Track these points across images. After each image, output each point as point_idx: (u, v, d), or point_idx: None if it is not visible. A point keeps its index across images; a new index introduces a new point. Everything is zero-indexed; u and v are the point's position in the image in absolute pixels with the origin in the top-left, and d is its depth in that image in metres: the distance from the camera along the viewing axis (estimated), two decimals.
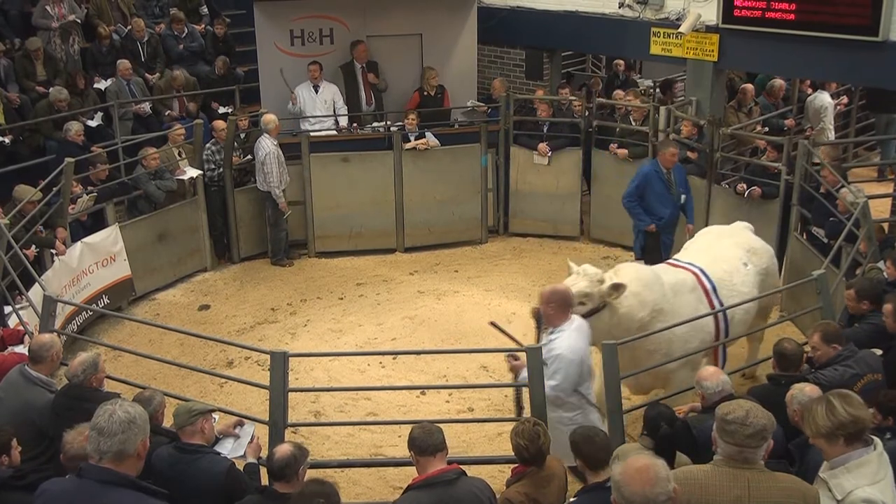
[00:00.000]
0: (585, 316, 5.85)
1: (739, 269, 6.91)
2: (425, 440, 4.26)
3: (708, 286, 6.64)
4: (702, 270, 6.70)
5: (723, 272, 6.77)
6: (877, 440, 3.65)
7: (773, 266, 7.35)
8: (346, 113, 11.35)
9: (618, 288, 6.04)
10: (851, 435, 3.57)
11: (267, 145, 10.04)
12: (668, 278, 6.53)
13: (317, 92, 11.14)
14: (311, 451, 6.86)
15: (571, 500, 4.31)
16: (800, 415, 4.65)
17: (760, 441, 3.51)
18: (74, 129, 9.74)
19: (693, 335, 6.37)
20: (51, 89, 10.36)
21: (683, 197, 9.03)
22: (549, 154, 10.92)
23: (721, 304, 6.56)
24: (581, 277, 6.04)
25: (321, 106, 11.14)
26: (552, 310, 5.54)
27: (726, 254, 7.00)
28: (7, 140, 9.89)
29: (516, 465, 4.69)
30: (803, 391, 4.71)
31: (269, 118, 10.11)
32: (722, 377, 5.06)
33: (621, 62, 13.34)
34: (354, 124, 11.45)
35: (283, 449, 4.36)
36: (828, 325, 5.53)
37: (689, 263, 6.84)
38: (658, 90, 12.95)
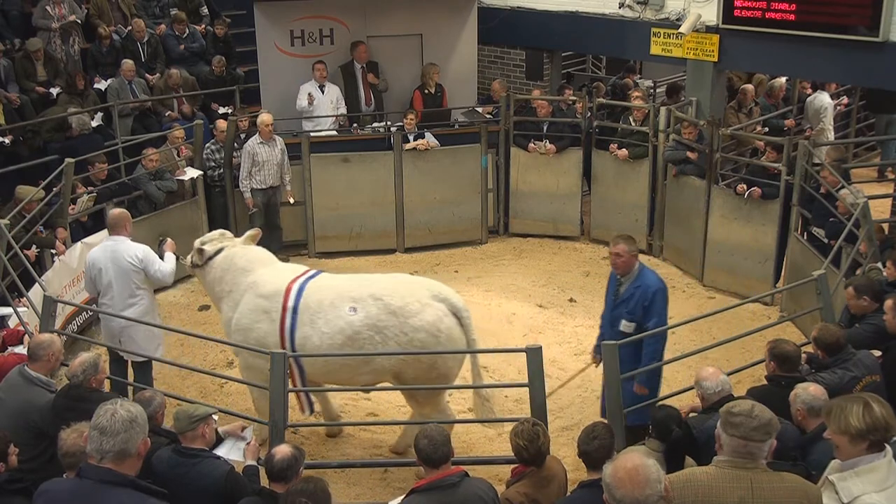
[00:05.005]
0: (196, 266, 7.07)
1: (339, 308, 6.38)
2: (430, 455, 4.24)
3: (291, 304, 6.44)
4: (301, 290, 6.50)
5: (317, 302, 6.42)
6: (888, 448, 3.61)
7: (414, 335, 6.30)
8: (346, 113, 11.36)
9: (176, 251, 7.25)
10: (877, 441, 3.55)
11: (248, 142, 10.06)
12: (261, 274, 6.71)
13: (323, 92, 11.14)
14: (312, 451, 6.93)
15: (570, 492, 4.31)
16: (803, 414, 4.66)
17: (765, 435, 3.50)
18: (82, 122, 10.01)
19: (238, 329, 6.59)
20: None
21: (626, 325, 6.16)
22: (541, 146, 10.88)
23: (292, 326, 6.39)
24: (212, 236, 7.19)
25: (327, 106, 11.15)
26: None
27: (346, 291, 6.47)
28: (7, 140, 9.89)
29: (516, 465, 4.69)
30: (807, 390, 4.72)
31: (262, 118, 10.08)
32: (721, 377, 5.06)
33: (630, 79, 13.10)
34: (355, 125, 11.46)
35: (284, 450, 4.36)
36: (826, 330, 5.51)
37: (307, 277, 6.64)
38: (660, 91, 12.90)
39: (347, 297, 6.42)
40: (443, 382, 6.50)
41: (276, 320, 6.47)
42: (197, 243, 7.12)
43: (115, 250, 6.97)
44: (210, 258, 6.98)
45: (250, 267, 6.83)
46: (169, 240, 7.36)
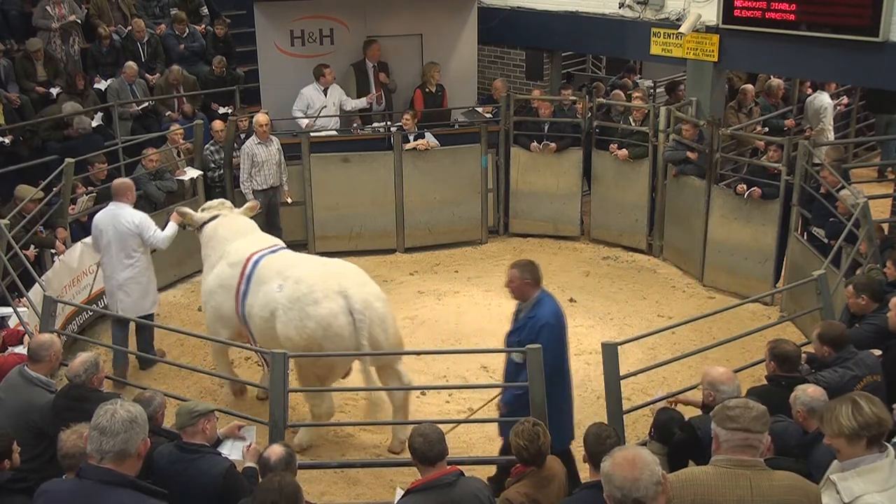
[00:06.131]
0: (195, 230, 7.77)
1: (271, 283, 6.83)
2: (426, 453, 4.23)
3: (248, 272, 7.03)
4: (257, 262, 7.06)
5: (264, 276, 6.92)
6: (890, 448, 3.61)
7: (307, 321, 6.57)
8: (356, 108, 11.37)
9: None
10: (875, 437, 3.54)
11: (247, 143, 10.06)
12: (236, 244, 7.29)
13: (325, 95, 11.13)
14: (311, 451, 6.93)
15: (573, 493, 4.30)
16: (803, 415, 4.66)
17: (763, 426, 3.49)
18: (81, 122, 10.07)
19: (215, 290, 7.26)
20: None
21: (516, 355, 5.74)
22: (543, 147, 10.88)
23: (245, 293, 6.98)
24: (211, 205, 7.89)
25: (330, 108, 11.14)
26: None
27: (283, 269, 6.89)
28: (7, 140, 9.90)
29: (516, 465, 4.68)
30: (806, 392, 4.72)
31: (257, 118, 10.05)
32: (736, 382, 4.99)
33: (629, 80, 13.13)
34: (355, 125, 11.46)
35: (277, 451, 4.35)
36: (830, 325, 5.53)
37: (269, 251, 7.18)
38: (663, 91, 12.90)
39: (281, 276, 6.84)
40: (325, 378, 6.76)
41: (234, 286, 7.04)
42: (208, 209, 7.83)
43: (115, 214, 7.80)
44: (205, 223, 7.63)
45: (230, 237, 7.43)
46: (177, 210, 8.11)
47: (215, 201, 8.04)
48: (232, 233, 7.47)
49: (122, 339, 8.01)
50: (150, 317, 8.13)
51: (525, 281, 5.80)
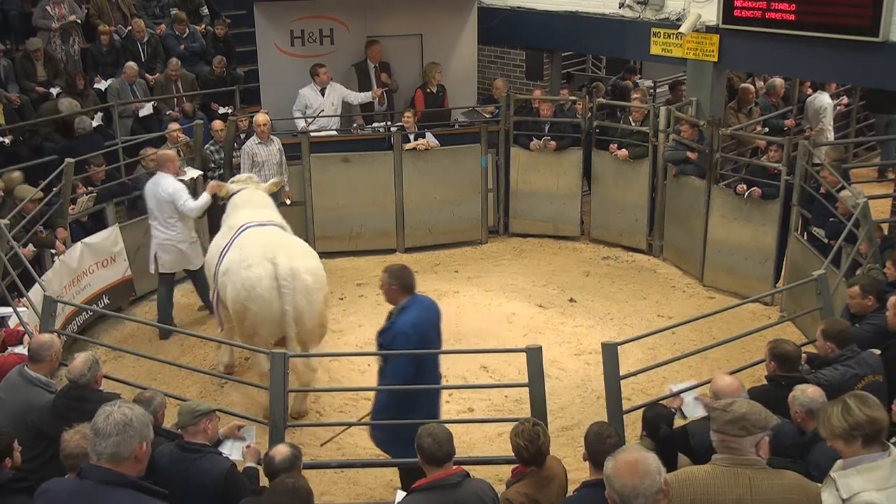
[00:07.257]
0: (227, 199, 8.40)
1: (235, 250, 7.48)
2: (434, 453, 4.20)
3: (233, 236, 7.64)
4: (242, 230, 7.65)
5: (237, 243, 7.50)
6: (892, 448, 3.63)
7: (237, 280, 7.21)
8: (363, 102, 11.41)
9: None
10: (869, 436, 3.56)
11: (247, 143, 10.07)
12: (243, 213, 7.94)
13: (323, 95, 11.13)
14: (311, 451, 6.92)
15: (573, 492, 4.31)
16: (801, 416, 4.67)
17: (741, 430, 3.49)
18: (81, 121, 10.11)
19: (212, 248, 8.02)
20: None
21: (379, 359, 5.89)
22: (544, 143, 10.88)
23: (224, 254, 7.59)
24: (239, 178, 8.71)
25: (328, 108, 11.14)
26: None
27: (247, 238, 7.50)
28: (7, 140, 9.89)
29: (516, 465, 4.68)
30: (805, 392, 4.72)
31: (257, 118, 10.04)
32: (743, 393, 4.97)
33: (630, 80, 13.16)
34: (355, 125, 11.46)
35: (283, 451, 4.35)
36: (835, 321, 5.54)
37: (256, 224, 7.73)
38: (667, 90, 12.89)
39: (241, 245, 7.45)
40: (249, 335, 7.26)
41: (222, 246, 7.68)
42: (236, 182, 8.56)
43: (156, 183, 8.75)
44: (233, 195, 8.33)
45: (241, 205, 8.11)
46: (211, 182, 8.97)
47: (243, 175, 8.90)
48: (244, 202, 8.15)
49: (165, 296, 9.02)
50: (194, 273, 9.14)
51: (392, 287, 5.81)
